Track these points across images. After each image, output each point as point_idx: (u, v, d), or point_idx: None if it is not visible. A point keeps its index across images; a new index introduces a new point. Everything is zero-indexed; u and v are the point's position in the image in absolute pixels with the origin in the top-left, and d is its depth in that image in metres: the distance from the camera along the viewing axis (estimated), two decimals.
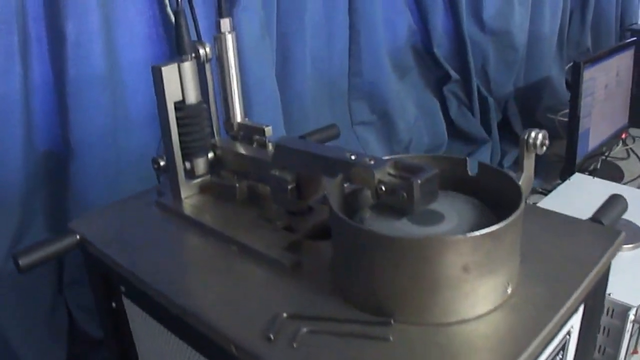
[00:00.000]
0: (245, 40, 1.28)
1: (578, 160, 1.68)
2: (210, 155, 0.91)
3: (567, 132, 1.65)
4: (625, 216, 1.34)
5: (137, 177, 1.18)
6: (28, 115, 1.07)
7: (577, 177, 1.60)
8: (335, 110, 1.67)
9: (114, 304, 0.89)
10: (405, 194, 0.66)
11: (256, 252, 0.75)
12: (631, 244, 1.28)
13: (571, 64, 2.27)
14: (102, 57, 1.11)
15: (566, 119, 1.99)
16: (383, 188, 0.69)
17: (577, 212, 1.35)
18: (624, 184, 1.79)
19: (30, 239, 1.11)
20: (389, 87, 1.72)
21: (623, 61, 1.83)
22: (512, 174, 1.67)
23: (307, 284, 0.70)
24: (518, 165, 0.78)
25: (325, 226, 0.79)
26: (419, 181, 0.65)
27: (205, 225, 0.82)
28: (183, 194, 0.89)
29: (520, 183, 0.88)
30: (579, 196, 1.45)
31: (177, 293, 0.70)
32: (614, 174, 1.85)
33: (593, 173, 1.83)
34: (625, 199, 0.85)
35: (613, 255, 0.74)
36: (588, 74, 1.62)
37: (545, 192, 1.64)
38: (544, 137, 0.87)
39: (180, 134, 0.86)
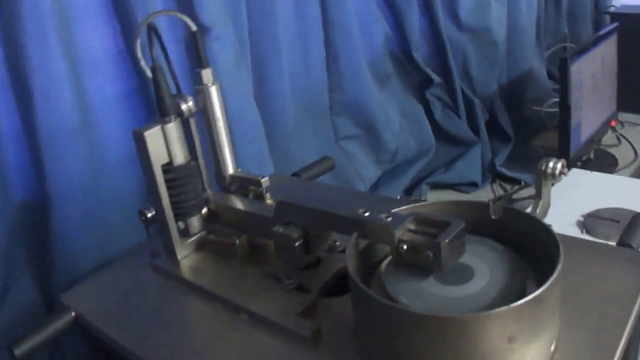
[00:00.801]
0: (220, 72, 1.22)
1: (571, 154, 1.64)
2: (204, 210, 0.85)
3: (559, 129, 1.61)
4: (628, 207, 1.32)
5: (122, 219, 1.12)
6: (1, 168, 1.01)
7: (574, 172, 1.57)
8: (318, 128, 1.62)
9: None
10: (431, 254, 0.61)
11: (269, 322, 0.70)
12: None
13: (551, 51, 2.26)
14: (72, 104, 1.04)
15: (552, 109, 1.98)
16: (405, 247, 0.63)
17: (581, 208, 1.34)
18: (619, 170, 1.77)
19: (15, 295, 1.05)
20: (371, 99, 1.67)
21: (607, 48, 1.80)
22: (504, 170, 1.63)
23: (330, 356, 0.65)
24: (532, 188, 0.73)
25: (339, 279, 0.74)
26: (447, 240, 0.60)
27: (208, 291, 0.77)
28: (179, 255, 0.83)
29: (538, 210, 0.84)
30: (579, 192, 1.42)
31: None
32: (607, 162, 1.82)
33: (586, 163, 1.80)
34: None
35: None
36: (575, 67, 1.58)
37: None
38: (562, 166, 0.82)
39: (170, 196, 0.80)
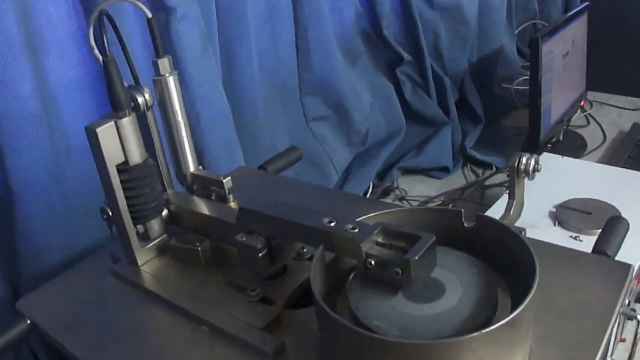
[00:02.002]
0: (186, 56, 1.15)
1: (541, 137, 1.61)
2: (165, 213, 0.79)
3: (529, 111, 1.58)
4: (599, 196, 1.30)
5: (89, 213, 1.06)
6: None
7: (545, 157, 1.54)
8: (288, 110, 1.56)
9: None
10: (400, 271, 0.57)
11: (232, 336, 0.65)
12: None
13: (521, 28, 2.21)
14: (33, 90, 0.97)
15: (522, 87, 1.94)
16: (373, 263, 0.59)
17: (553, 197, 1.31)
18: (588, 154, 1.74)
19: None
20: (341, 79, 1.61)
21: (578, 28, 1.76)
22: (475, 154, 1.60)
23: None
24: (504, 174, 0.69)
25: (306, 289, 0.69)
26: (417, 257, 0.55)
27: (169, 302, 0.72)
28: (140, 261, 0.78)
29: (512, 212, 0.80)
30: (550, 179, 1.38)
31: None
32: (577, 144, 1.79)
33: (556, 146, 1.78)
34: (626, 221, 0.77)
35: (626, 294, 0.67)
36: (546, 48, 1.54)
37: None
38: (536, 163, 0.78)
39: (128, 198, 0.74)
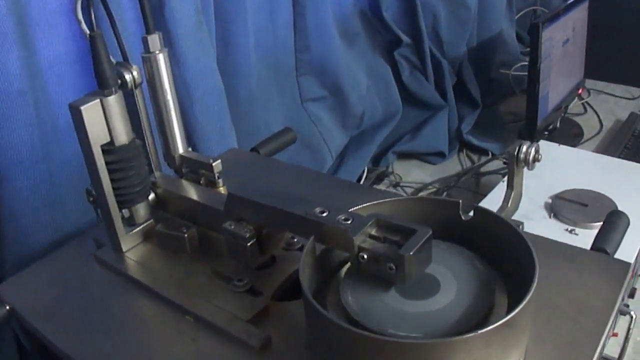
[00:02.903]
0: (180, 31, 1.11)
1: (538, 124, 1.57)
2: (151, 196, 0.75)
3: (527, 97, 1.54)
4: (595, 187, 1.27)
5: (76, 193, 1.00)
6: None
7: (542, 144, 1.50)
8: (283, 90, 1.52)
9: None
10: (394, 267, 0.54)
11: (216, 327, 0.62)
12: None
13: (521, 13, 2.17)
14: (19, 64, 0.93)
15: (520, 73, 1.90)
16: (365, 256, 0.56)
17: (548, 187, 1.28)
18: (584, 142, 1.71)
19: None
20: (338, 60, 1.57)
21: (579, 15, 1.72)
22: (473, 139, 1.56)
23: None
24: (499, 160, 0.66)
25: (295, 281, 0.66)
26: (411, 253, 0.52)
27: (153, 290, 0.68)
28: (124, 247, 0.74)
29: (509, 204, 0.76)
30: (546, 168, 1.34)
31: None
32: (573, 132, 1.76)
33: (552, 133, 1.74)
34: (626, 216, 0.74)
35: (626, 293, 0.64)
36: (546, 34, 1.49)
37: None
38: (536, 152, 0.75)
39: (113, 181, 0.70)
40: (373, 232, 0.57)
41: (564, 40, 1.65)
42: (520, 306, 0.48)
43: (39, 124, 0.97)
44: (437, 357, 0.47)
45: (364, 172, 1.65)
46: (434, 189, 1.56)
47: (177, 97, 1.13)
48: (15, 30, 0.91)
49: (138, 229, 0.75)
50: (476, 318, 0.52)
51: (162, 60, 0.73)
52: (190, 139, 1.18)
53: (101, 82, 0.67)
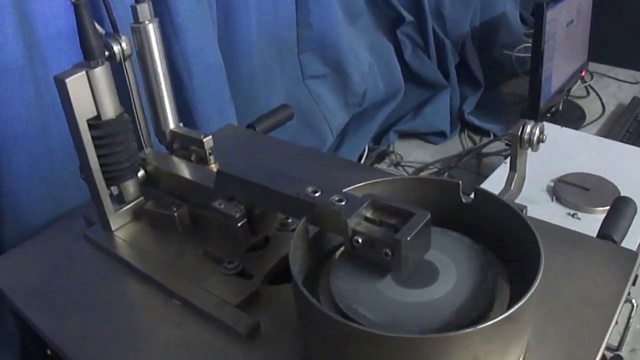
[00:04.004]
0: (179, 6, 1.05)
1: (541, 105, 1.52)
2: (141, 173, 0.71)
3: (530, 78, 1.48)
4: (598, 171, 1.22)
5: (75, 170, 0.96)
6: None
7: (545, 127, 1.45)
8: (284, 67, 1.46)
9: (49, 351, 0.71)
10: (389, 252, 0.49)
11: (203, 312, 0.58)
12: (608, 205, 1.15)
13: None
14: (17, 39, 0.88)
15: (523, 54, 1.84)
16: (359, 240, 0.51)
17: (551, 170, 1.23)
18: (587, 125, 1.65)
19: None
20: (340, 37, 1.51)
21: None
22: (474, 120, 1.51)
23: (267, 356, 0.54)
24: (501, 142, 0.61)
25: (288, 264, 0.62)
26: (408, 238, 0.47)
27: (141, 272, 0.64)
28: (113, 225, 0.70)
29: (512, 187, 0.72)
30: (548, 150, 1.29)
31: None
32: (576, 115, 1.70)
33: (555, 115, 1.69)
34: (634, 202, 0.69)
35: (632, 283, 0.59)
36: (550, 14, 1.43)
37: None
38: (541, 132, 0.70)
39: (100, 157, 0.66)
40: (368, 214, 0.52)
41: (568, 21, 1.59)
42: (524, 300, 0.44)
43: (38, 99, 0.93)
44: (433, 353, 0.43)
45: (364, 151, 1.60)
46: (435, 169, 1.51)
47: (176, 73, 1.10)
48: (12, 1, 0.85)
49: (127, 207, 0.71)
50: (476, 310, 0.48)
51: (152, 30, 0.68)
52: (189, 116, 1.13)
53: (87, 53, 0.62)
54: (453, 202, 0.58)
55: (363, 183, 0.58)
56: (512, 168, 0.73)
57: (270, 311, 0.58)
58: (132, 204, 0.71)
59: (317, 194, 0.54)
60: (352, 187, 0.57)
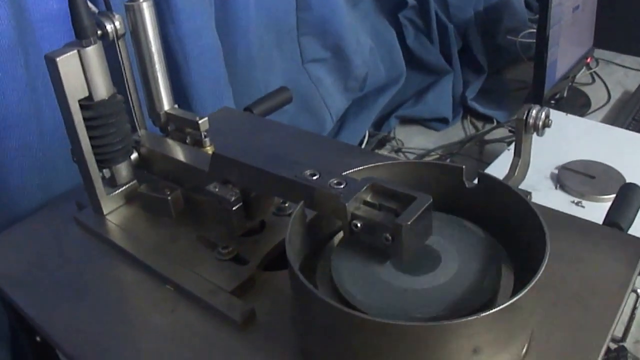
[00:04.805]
0: None
1: (545, 92, 1.50)
2: (134, 156, 0.69)
3: (535, 64, 1.46)
4: (603, 159, 1.21)
5: (67, 154, 0.95)
6: None
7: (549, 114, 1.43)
8: (283, 50, 1.44)
9: (38, 338, 0.70)
10: (390, 237, 0.48)
11: (197, 298, 0.57)
12: (613, 194, 1.14)
13: None
14: (8, 18, 0.86)
15: (527, 40, 1.82)
16: (359, 225, 0.50)
17: (555, 157, 1.22)
18: (592, 112, 1.64)
19: None
20: (341, 20, 1.49)
21: None
22: (475, 105, 1.49)
23: (262, 344, 0.53)
24: (504, 128, 0.60)
25: (284, 249, 0.60)
26: (409, 223, 0.46)
27: (133, 256, 0.63)
28: (105, 209, 0.68)
29: (516, 172, 0.70)
30: (553, 137, 1.27)
31: None
32: (581, 102, 1.68)
33: (559, 102, 1.67)
34: None
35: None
36: None
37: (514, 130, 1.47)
38: (546, 117, 0.68)
39: (92, 138, 0.64)
40: (368, 198, 0.51)
41: (574, 6, 1.56)
42: (528, 287, 0.43)
43: (29, 80, 0.91)
44: (434, 341, 0.42)
45: (365, 136, 1.59)
46: (437, 155, 1.50)
47: (171, 54, 1.08)
48: None
49: (120, 190, 0.69)
50: (479, 297, 0.47)
51: (146, 9, 0.67)
52: (184, 99, 1.11)
53: (78, 32, 0.61)
54: (456, 187, 0.56)
55: (362, 167, 0.56)
56: (517, 154, 0.71)
57: (265, 298, 0.56)
58: (124, 187, 0.70)
59: (315, 177, 0.53)
60: (351, 170, 0.55)
